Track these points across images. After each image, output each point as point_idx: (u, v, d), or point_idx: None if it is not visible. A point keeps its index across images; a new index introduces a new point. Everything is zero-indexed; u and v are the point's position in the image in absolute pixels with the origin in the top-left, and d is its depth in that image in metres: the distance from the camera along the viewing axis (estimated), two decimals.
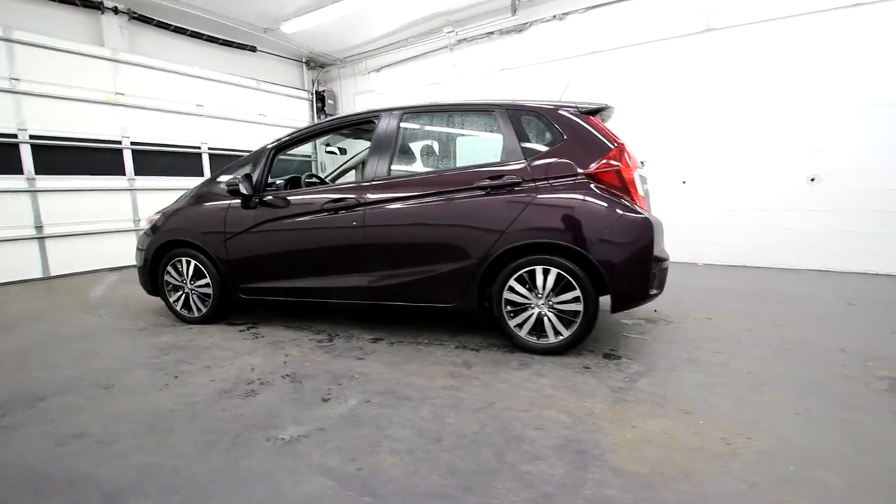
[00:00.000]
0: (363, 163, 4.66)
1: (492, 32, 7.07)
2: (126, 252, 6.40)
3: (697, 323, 3.37)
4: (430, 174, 2.88)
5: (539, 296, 2.67)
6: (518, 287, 2.70)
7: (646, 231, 2.50)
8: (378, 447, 1.80)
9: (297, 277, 3.16)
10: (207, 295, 3.46)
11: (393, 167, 2.95)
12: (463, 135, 2.97)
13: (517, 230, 2.61)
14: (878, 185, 4.75)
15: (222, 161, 7.57)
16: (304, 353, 2.87)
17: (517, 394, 2.24)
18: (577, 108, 2.74)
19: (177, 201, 3.72)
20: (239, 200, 3.26)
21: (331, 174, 4.50)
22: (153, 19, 6.54)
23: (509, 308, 2.76)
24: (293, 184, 3.72)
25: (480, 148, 2.91)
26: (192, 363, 2.74)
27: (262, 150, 3.35)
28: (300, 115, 9.11)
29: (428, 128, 3.08)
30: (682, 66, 5.69)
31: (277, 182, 3.50)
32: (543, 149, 2.70)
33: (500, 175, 2.69)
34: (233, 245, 3.27)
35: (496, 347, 2.90)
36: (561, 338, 2.68)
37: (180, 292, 3.56)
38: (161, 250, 3.54)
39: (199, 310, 3.53)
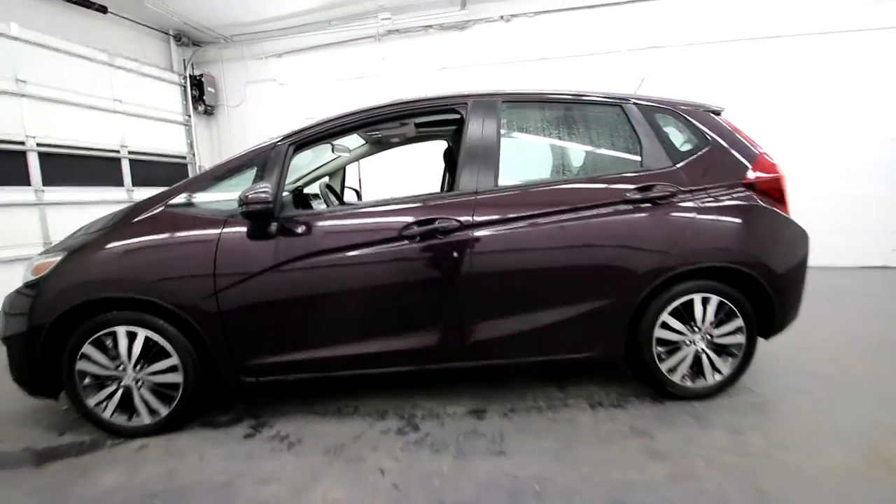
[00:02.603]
0: (334, 172, 3.59)
1: (430, 26, 6.41)
2: None
3: None
4: (558, 185, 2.17)
5: (696, 330, 2.22)
6: (673, 322, 2.20)
7: (806, 245, 2.27)
8: None
9: (360, 340, 2.09)
10: (173, 386, 2.08)
11: (501, 175, 2.14)
12: (583, 133, 2.32)
13: (683, 252, 2.11)
14: None
15: (62, 162, 5.26)
16: (405, 462, 1.85)
17: (760, 467, 1.75)
18: (709, 107, 2.38)
19: (88, 233, 2.20)
20: (240, 228, 2.02)
21: (301, 181, 3.31)
22: None
23: (660, 349, 2.23)
24: (300, 201, 2.57)
25: (607, 150, 2.32)
26: None
27: (271, 149, 2.14)
28: (171, 105, 6.98)
29: (538, 123, 2.34)
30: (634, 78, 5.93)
31: (283, 196, 2.31)
32: (687, 153, 2.25)
33: (650, 185, 2.15)
34: (234, 298, 2.00)
35: (631, 398, 2.34)
36: (720, 377, 2.27)
37: (114, 387, 2.08)
38: (67, 318, 2.01)
39: (152, 413, 2.11)
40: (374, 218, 2.12)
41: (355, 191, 3.86)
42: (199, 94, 7.28)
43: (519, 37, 6.20)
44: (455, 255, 2.04)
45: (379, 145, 3.33)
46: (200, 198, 2.14)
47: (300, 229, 2.05)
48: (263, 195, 1.86)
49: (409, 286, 2.07)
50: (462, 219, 2.05)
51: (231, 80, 7.44)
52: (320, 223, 2.08)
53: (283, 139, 2.14)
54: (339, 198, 2.95)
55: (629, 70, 5.87)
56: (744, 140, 2.31)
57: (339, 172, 3.54)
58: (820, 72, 5.52)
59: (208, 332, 2.02)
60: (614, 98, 2.30)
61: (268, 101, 7.29)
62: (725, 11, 5.62)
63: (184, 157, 7.22)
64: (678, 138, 2.30)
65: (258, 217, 1.94)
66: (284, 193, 2.27)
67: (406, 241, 2.04)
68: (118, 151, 6.09)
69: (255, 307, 2.03)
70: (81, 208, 5.41)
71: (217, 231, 2.02)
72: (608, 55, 5.96)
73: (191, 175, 7.07)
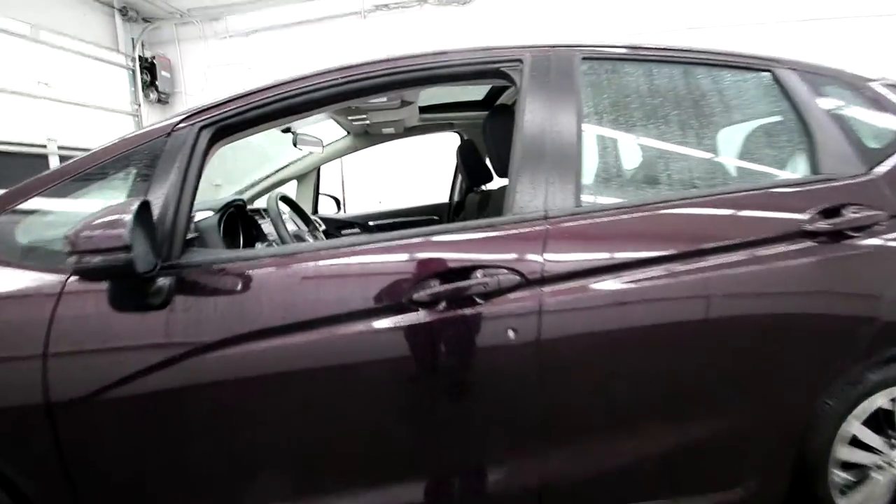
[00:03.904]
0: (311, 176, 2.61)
1: (426, 1, 5.48)
2: None
3: None
4: (684, 206, 1.25)
5: None
6: (865, 434, 1.32)
7: None
8: None
9: (333, 492, 1.14)
10: None
11: (584, 188, 1.22)
12: (717, 115, 1.38)
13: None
14: None
15: None
16: None
17: None
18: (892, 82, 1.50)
19: None
20: (97, 283, 1.04)
21: (250, 192, 2.36)
22: None
23: (841, 476, 1.34)
24: (240, 225, 1.61)
25: (753, 145, 1.41)
26: None
27: (165, 135, 1.17)
28: (115, 91, 5.93)
29: (642, 97, 1.40)
30: None
31: (199, 221, 1.34)
32: (882, 152, 1.36)
33: (839, 206, 1.25)
34: (88, 421, 1.04)
35: None
36: None
37: None
38: None
39: None
40: (358, 258, 1.16)
41: (335, 200, 2.89)
42: (151, 79, 6.21)
43: (532, 15, 5.32)
44: (511, 334, 1.10)
45: (366, 137, 2.38)
46: (33, 222, 1.16)
47: (221, 284, 1.09)
48: (115, 233, 0.86)
49: (424, 393, 1.13)
50: (523, 264, 1.11)
51: (189, 63, 6.37)
52: (259, 274, 1.12)
53: (186, 118, 1.17)
54: (306, 217, 1.93)
55: None
56: None
57: (311, 176, 2.58)
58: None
59: (36, 484, 1.05)
60: (761, 60, 1.40)
61: (233, 88, 6.23)
62: None
63: None
64: (862, 129, 1.41)
65: (112, 276, 0.97)
66: (201, 215, 1.32)
67: (419, 310, 1.09)
68: (44, 146, 4.99)
69: (133, 438, 1.06)
70: None
71: (53, 288, 1.04)
72: (636, 38, 5.11)
73: None
